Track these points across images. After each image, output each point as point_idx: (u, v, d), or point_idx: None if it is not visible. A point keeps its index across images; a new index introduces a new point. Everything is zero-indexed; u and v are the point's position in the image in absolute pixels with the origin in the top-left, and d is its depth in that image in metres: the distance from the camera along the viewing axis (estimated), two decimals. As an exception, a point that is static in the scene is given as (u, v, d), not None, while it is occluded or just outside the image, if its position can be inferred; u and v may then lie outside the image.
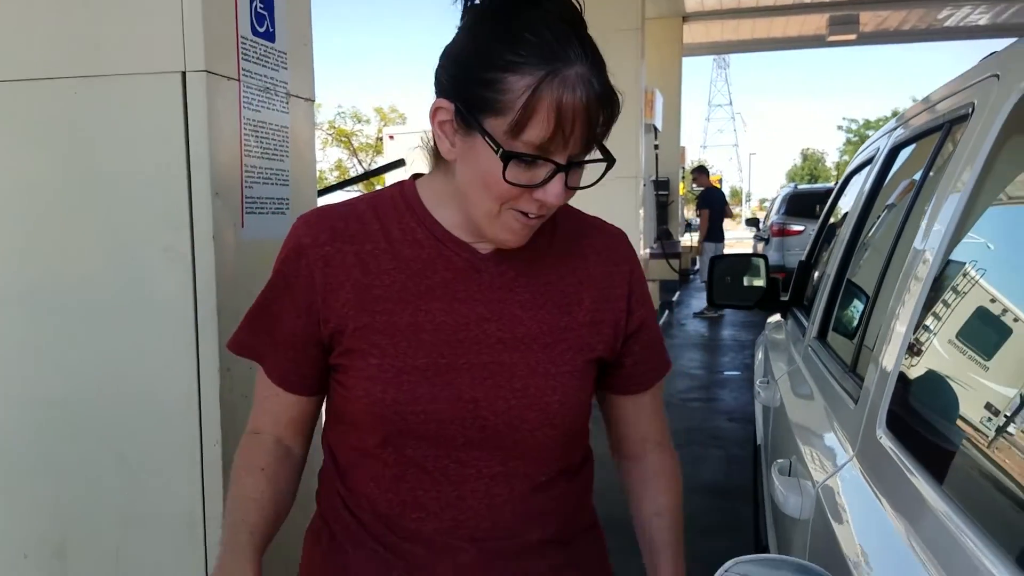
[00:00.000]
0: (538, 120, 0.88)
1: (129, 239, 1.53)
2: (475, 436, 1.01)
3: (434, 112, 0.97)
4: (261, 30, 1.60)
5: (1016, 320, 0.93)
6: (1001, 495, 0.82)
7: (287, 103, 1.70)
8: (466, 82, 0.92)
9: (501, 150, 0.90)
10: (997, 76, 1.18)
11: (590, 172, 0.98)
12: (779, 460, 1.57)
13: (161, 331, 1.52)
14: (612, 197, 9.31)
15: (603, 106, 0.91)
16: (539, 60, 0.88)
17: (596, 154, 0.96)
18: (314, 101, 1.83)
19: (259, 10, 1.59)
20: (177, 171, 1.48)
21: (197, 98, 1.46)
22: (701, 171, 12.72)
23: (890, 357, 1.20)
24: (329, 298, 1.02)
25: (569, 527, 1.10)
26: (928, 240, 1.21)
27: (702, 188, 12.15)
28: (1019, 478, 0.78)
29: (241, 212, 1.58)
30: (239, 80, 1.54)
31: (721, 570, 0.90)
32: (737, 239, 19.92)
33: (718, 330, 10.09)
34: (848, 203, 2.44)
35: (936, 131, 1.44)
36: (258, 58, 1.60)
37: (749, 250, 12.36)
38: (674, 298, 11.99)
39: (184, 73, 1.45)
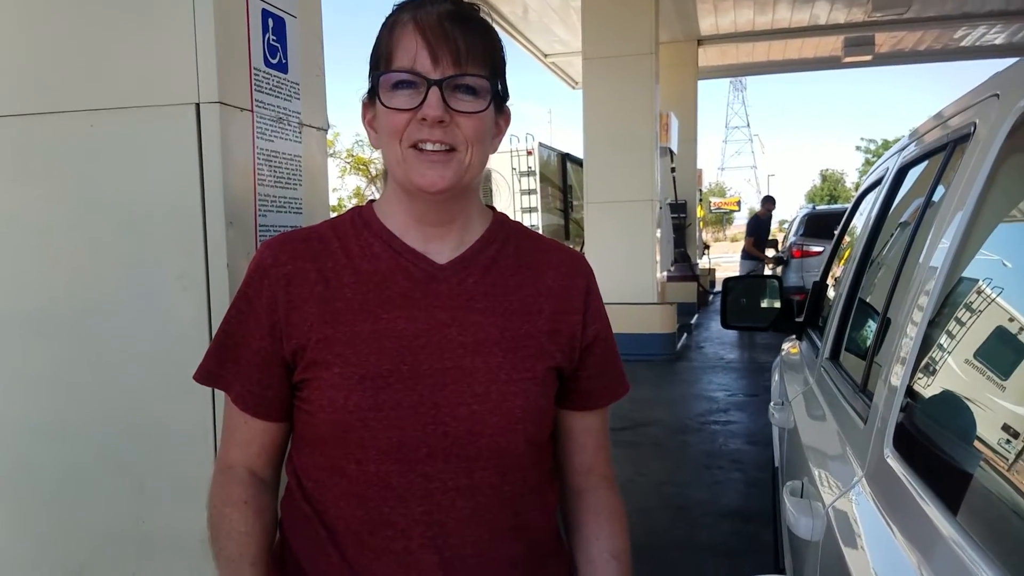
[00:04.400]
0: (398, 46, 1.00)
1: (144, 269, 1.55)
2: (437, 445, 1.02)
3: (362, 115, 1.08)
4: (274, 61, 1.64)
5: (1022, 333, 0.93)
6: (1009, 515, 0.82)
7: (300, 132, 1.73)
8: (369, 69, 1.05)
9: (379, 77, 1.01)
10: (997, 96, 1.18)
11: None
12: (791, 482, 1.57)
13: (177, 359, 1.54)
14: (628, 220, 9.39)
15: (458, 20, 1.00)
16: (402, 9, 1.02)
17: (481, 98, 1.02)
18: (327, 129, 1.86)
19: (272, 42, 1.63)
20: (191, 201, 1.51)
21: (211, 129, 1.49)
22: (768, 201, 12.69)
23: (898, 376, 1.20)
24: (292, 315, 1.05)
25: (537, 548, 1.11)
26: (933, 258, 1.21)
27: (755, 216, 12.27)
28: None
29: (255, 240, 1.60)
30: (252, 111, 1.57)
31: (728, 592, 0.91)
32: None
33: (738, 353, 10.04)
34: (860, 223, 2.44)
35: (941, 150, 1.45)
36: (271, 89, 1.63)
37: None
38: (692, 320, 11.94)
39: (198, 105, 1.48)
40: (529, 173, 12.61)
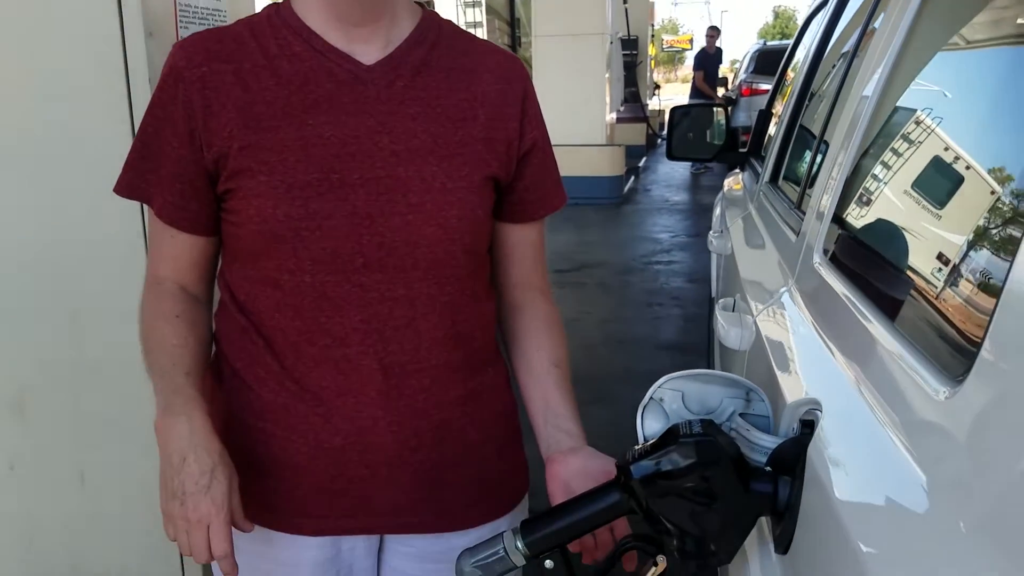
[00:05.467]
0: None
1: (64, 86, 1.47)
2: (373, 255, 1.00)
3: None
4: None
5: (947, 155, 0.94)
6: (936, 320, 0.85)
7: (220, -64, 1.61)
8: None
9: None
10: None
11: None
12: (724, 299, 1.61)
13: (103, 177, 1.48)
14: (577, 56, 9.15)
15: None
16: None
17: None
18: (251, -63, 1.74)
19: None
20: (108, 11, 1.42)
21: (122, -71, 1.39)
22: (712, 30, 12.35)
23: (831, 190, 1.21)
24: (210, 121, 0.99)
25: (475, 356, 1.12)
26: (868, 79, 1.20)
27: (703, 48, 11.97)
28: (934, 292, 0.81)
29: (178, 55, 1.52)
30: (166, -90, 1.46)
31: (654, 387, 0.93)
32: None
33: (683, 195, 10.13)
34: (804, 49, 2.41)
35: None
36: None
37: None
38: (641, 163, 11.94)
39: (106, -100, 1.37)
40: (475, 4, 12.14)
